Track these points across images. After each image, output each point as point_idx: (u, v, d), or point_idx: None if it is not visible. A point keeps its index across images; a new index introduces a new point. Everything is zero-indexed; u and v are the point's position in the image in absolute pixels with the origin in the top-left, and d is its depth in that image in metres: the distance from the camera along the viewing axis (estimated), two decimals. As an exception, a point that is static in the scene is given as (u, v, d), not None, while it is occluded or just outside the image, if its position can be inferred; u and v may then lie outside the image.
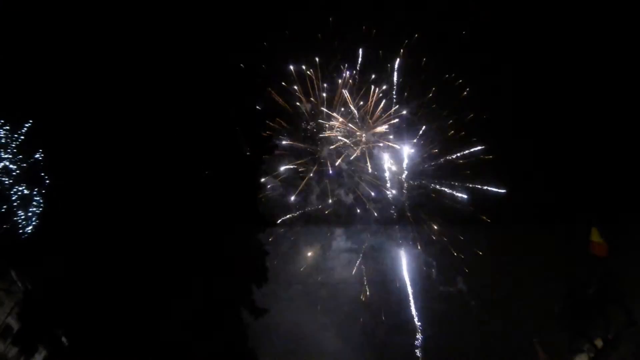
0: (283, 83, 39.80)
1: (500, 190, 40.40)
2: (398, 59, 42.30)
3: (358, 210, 44.40)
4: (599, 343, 23.84)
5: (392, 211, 43.82)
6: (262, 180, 24.54)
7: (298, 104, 41.71)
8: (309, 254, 43.81)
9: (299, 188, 43.30)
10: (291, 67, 38.33)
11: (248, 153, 23.07)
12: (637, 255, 24.78)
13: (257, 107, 23.53)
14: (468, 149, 41.93)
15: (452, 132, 42.37)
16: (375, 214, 43.84)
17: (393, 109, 43.79)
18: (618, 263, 24.37)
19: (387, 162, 44.35)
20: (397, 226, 43.97)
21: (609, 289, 23.27)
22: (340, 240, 45.01)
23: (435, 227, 42.23)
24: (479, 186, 41.53)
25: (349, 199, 45.06)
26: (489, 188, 40.87)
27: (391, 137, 43.76)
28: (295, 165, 42.25)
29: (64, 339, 21.03)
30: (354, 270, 42.69)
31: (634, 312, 22.40)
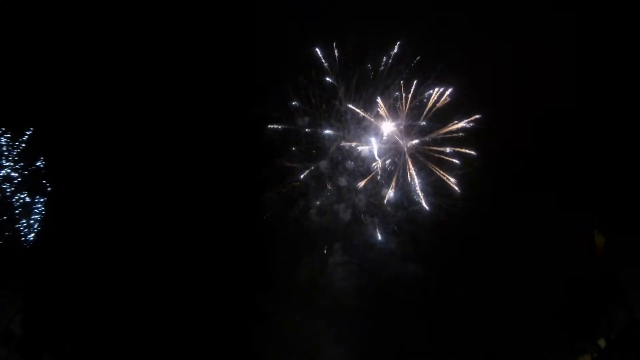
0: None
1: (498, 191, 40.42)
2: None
3: (355, 224, 44.79)
4: (601, 343, 23.76)
5: (390, 224, 44.04)
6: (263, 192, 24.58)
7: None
8: (308, 266, 44.05)
9: (298, 202, 43.67)
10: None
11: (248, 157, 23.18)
12: (637, 254, 24.72)
13: (258, 111, 23.64)
14: (466, 150, 41.94)
15: (449, 133, 42.43)
16: (373, 228, 44.09)
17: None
18: (619, 262, 24.33)
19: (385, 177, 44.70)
20: (395, 240, 44.13)
21: (610, 289, 23.23)
22: (338, 254, 45.29)
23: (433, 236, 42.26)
24: (478, 188, 41.50)
25: (347, 213, 45.35)
26: (488, 189, 40.85)
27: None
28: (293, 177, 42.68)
29: (67, 345, 21.09)
30: (353, 283, 42.95)
31: (636, 311, 22.34)
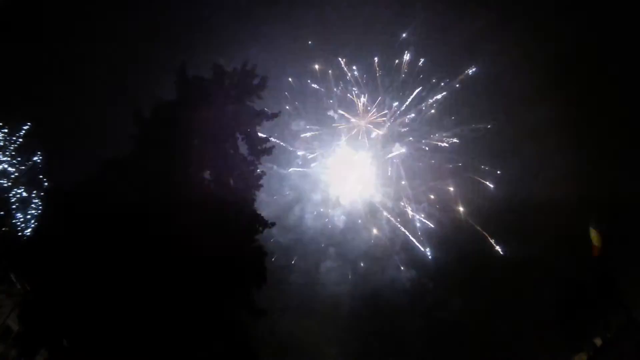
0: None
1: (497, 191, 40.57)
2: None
3: (350, 231, 45.09)
4: (598, 341, 23.87)
5: (384, 229, 44.24)
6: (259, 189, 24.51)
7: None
8: (304, 270, 44.38)
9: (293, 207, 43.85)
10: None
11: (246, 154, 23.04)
12: (636, 254, 24.82)
13: (255, 107, 23.49)
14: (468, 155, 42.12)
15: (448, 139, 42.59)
16: (367, 234, 44.32)
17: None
18: (617, 262, 24.41)
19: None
20: (389, 246, 44.36)
21: (608, 289, 23.30)
22: (332, 258, 45.66)
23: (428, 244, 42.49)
24: (478, 189, 41.63)
25: (342, 220, 45.55)
26: (487, 186, 40.97)
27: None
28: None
29: (64, 341, 21.01)
30: (347, 286, 43.30)
31: (633, 310, 22.44)
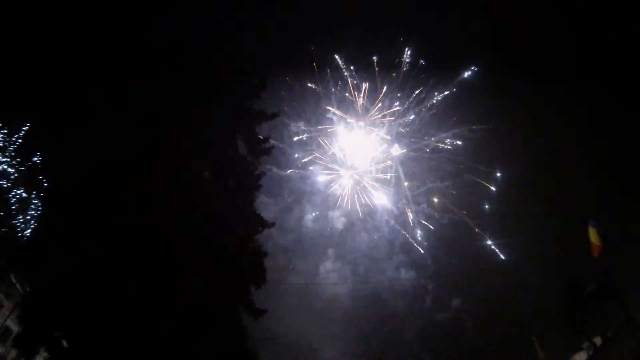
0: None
1: (494, 189, 40.61)
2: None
3: (349, 232, 45.21)
4: (597, 340, 23.86)
5: (383, 231, 44.33)
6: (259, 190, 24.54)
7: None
8: (303, 271, 44.55)
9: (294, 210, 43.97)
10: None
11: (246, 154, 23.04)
12: (635, 252, 24.83)
13: (254, 107, 23.49)
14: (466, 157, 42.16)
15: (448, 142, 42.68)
16: (366, 236, 44.45)
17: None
18: (616, 260, 24.43)
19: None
20: (388, 247, 44.42)
21: (607, 287, 23.28)
22: (332, 259, 45.81)
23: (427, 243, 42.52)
24: (478, 191, 41.67)
25: (341, 221, 45.68)
26: (488, 188, 41.01)
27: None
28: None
29: (64, 342, 21.00)
30: (346, 287, 43.44)
31: (633, 309, 22.44)
